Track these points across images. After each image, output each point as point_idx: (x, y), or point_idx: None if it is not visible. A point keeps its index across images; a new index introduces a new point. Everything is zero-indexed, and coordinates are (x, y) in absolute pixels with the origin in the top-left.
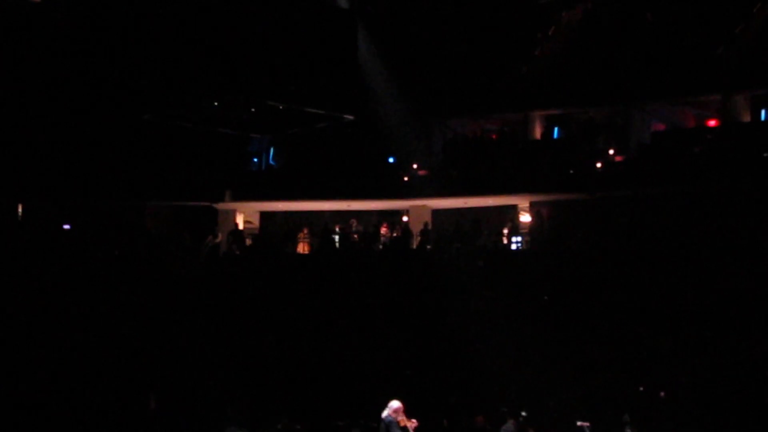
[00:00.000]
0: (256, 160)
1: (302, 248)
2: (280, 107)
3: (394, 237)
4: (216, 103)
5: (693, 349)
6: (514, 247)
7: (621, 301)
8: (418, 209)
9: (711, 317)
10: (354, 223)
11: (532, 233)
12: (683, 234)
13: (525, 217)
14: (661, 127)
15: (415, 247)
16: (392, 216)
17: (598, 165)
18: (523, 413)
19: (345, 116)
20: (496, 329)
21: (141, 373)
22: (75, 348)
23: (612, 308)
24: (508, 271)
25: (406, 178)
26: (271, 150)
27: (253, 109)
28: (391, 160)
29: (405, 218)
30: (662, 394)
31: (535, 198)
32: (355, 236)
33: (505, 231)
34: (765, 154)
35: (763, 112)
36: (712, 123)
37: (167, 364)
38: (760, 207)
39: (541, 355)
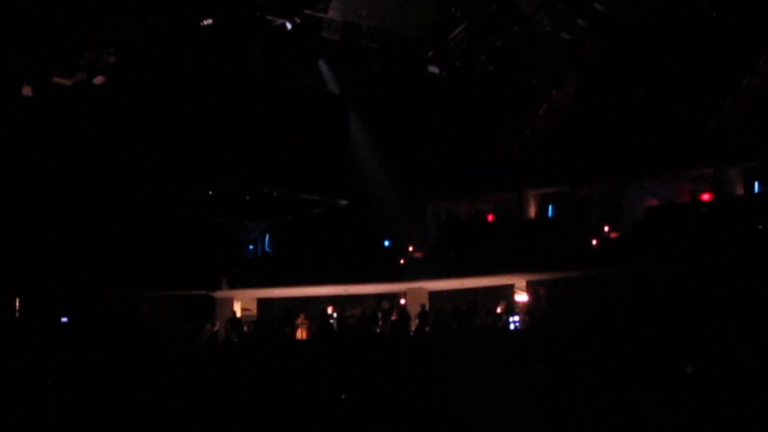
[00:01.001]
0: (251, 247)
1: (300, 334)
2: (275, 194)
3: (393, 320)
4: (211, 192)
5: (691, 423)
6: (511, 326)
7: (619, 376)
8: (415, 291)
9: (709, 390)
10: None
11: (530, 312)
12: (681, 308)
13: (521, 296)
14: (654, 202)
15: (413, 329)
16: (390, 299)
17: (594, 242)
18: None
19: (339, 201)
20: (495, 409)
21: None
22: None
23: (610, 383)
24: (505, 350)
25: (402, 261)
26: (267, 237)
27: (247, 197)
28: (386, 243)
29: (402, 300)
30: None
31: (532, 277)
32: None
33: (499, 310)
34: (760, 227)
35: (756, 185)
36: (705, 197)
37: None
38: (756, 279)
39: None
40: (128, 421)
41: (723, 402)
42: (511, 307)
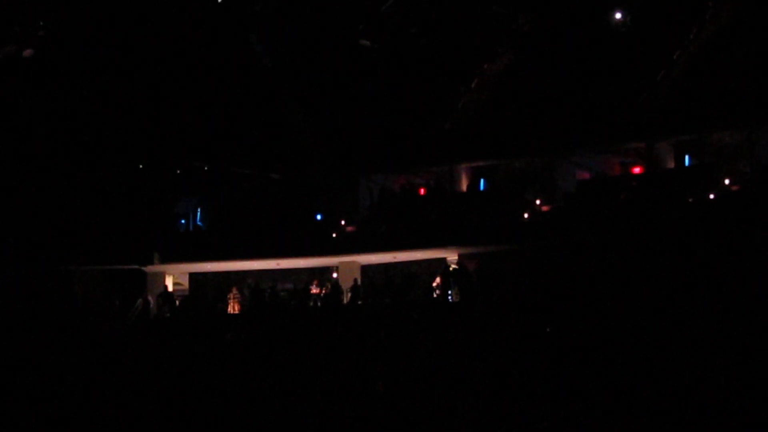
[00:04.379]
0: (183, 221)
1: (232, 308)
2: (206, 168)
3: (325, 294)
4: (141, 166)
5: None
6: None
7: (550, 346)
8: (347, 265)
9: (640, 363)
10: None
11: (461, 285)
12: (612, 280)
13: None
14: (586, 175)
15: (345, 302)
16: (322, 273)
17: (525, 215)
18: None
19: (271, 175)
20: (429, 381)
21: None
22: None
23: (541, 354)
24: (438, 323)
25: (334, 235)
26: (199, 211)
27: (179, 171)
28: (318, 217)
29: (335, 275)
30: None
31: (464, 250)
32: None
33: (435, 283)
34: (690, 199)
35: (687, 158)
36: (637, 170)
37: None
38: (685, 251)
39: (475, 407)
40: (60, 397)
41: (648, 367)
42: (446, 280)
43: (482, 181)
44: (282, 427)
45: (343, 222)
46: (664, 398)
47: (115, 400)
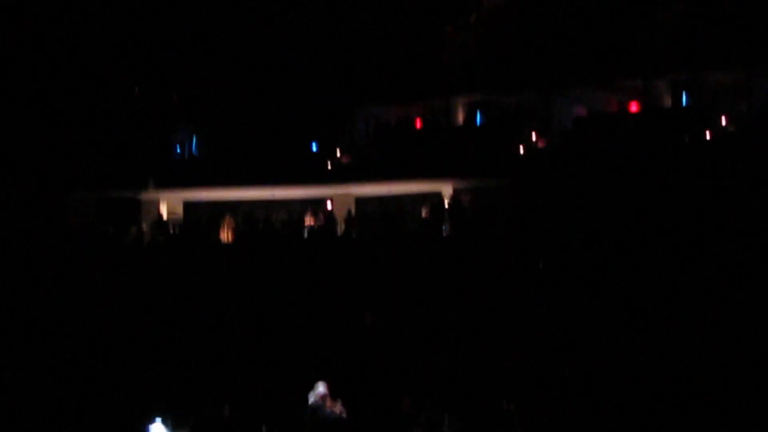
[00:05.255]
0: (179, 149)
1: (226, 236)
2: (202, 96)
3: (318, 224)
4: (137, 90)
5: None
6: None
7: (544, 281)
8: (341, 197)
9: (633, 301)
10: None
11: (455, 219)
12: (606, 216)
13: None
14: (583, 112)
15: (340, 234)
16: (316, 204)
17: (521, 150)
18: None
19: (268, 104)
20: (422, 314)
21: (61, 367)
22: None
23: (535, 288)
24: (431, 255)
25: (329, 165)
26: (194, 139)
27: (174, 98)
28: (313, 147)
29: (329, 206)
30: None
31: (459, 184)
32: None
33: (424, 215)
34: (686, 139)
35: (684, 97)
36: (633, 108)
37: (90, 356)
38: (680, 190)
39: (463, 340)
40: (53, 324)
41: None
42: (440, 213)
43: (478, 115)
44: (271, 358)
45: (338, 153)
46: (660, 335)
47: (108, 328)
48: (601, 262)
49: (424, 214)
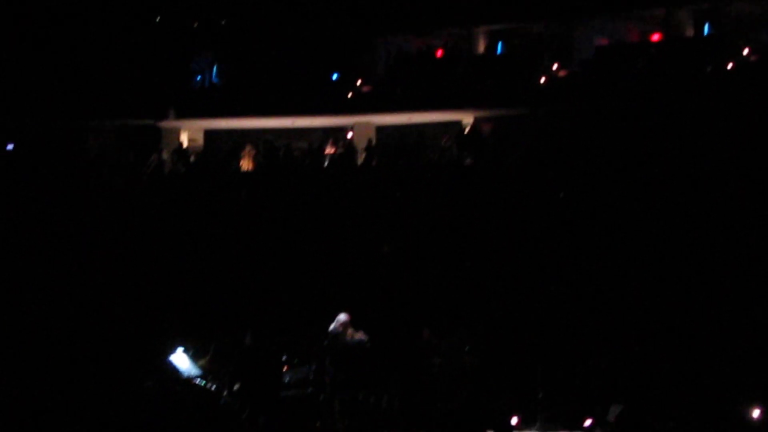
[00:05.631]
0: (199, 78)
1: (246, 165)
2: (223, 22)
3: (339, 154)
4: (158, 18)
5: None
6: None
7: (563, 213)
8: (362, 126)
9: (652, 230)
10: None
11: (475, 148)
12: (626, 146)
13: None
14: (604, 41)
15: (360, 163)
16: (336, 134)
17: (542, 80)
18: None
19: (288, 32)
20: (441, 244)
21: (84, 294)
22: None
23: (552, 218)
24: (452, 184)
25: (349, 95)
26: (215, 67)
27: (195, 25)
28: (334, 76)
29: (349, 135)
30: None
31: (479, 113)
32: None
33: (444, 141)
34: (708, 69)
35: (706, 27)
36: (655, 38)
37: (110, 283)
38: (700, 120)
39: (482, 269)
40: (72, 249)
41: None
42: (460, 142)
43: (500, 44)
44: (291, 286)
45: (359, 82)
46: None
47: (128, 256)
48: (622, 193)
49: (444, 143)
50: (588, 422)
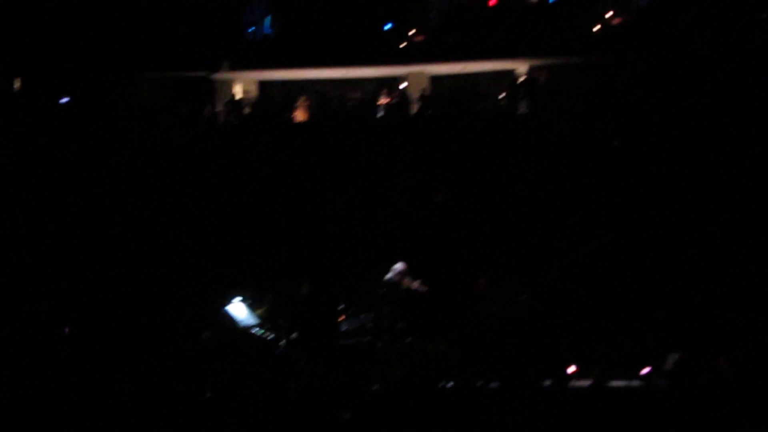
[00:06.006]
0: (252, 29)
1: (300, 116)
2: None
3: (393, 103)
4: None
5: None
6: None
7: (618, 160)
8: (415, 76)
9: (707, 179)
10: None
11: (530, 97)
12: (680, 93)
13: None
14: None
15: (414, 113)
16: (390, 84)
17: (597, 28)
18: None
19: None
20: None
21: (141, 246)
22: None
23: (609, 167)
24: (505, 134)
25: (403, 44)
26: (268, 18)
27: None
28: (388, 26)
29: (403, 85)
30: None
31: (533, 62)
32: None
33: (502, 95)
34: (765, 15)
35: None
36: None
37: (167, 234)
38: (757, 68)
39: (537, 216)
40: (129, 201)
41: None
42: (513, 91)
43: None
44: (348, 234)
45: (412, 31)
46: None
47: (184, 208)
48: (678, 142)
49: (498, 93)
50: (645, 371)
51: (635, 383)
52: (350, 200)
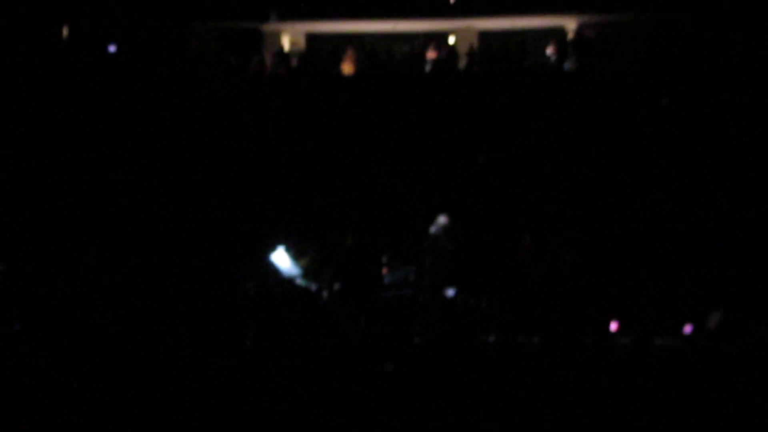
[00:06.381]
0: None
1: (347, 69)
2: None
3: (441, 59)
4: None
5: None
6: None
7: (667, 120)
8: (464, 31)
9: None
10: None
11: (579, 54)
12: (734, 53)
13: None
14: None
15: (462, 68)
16: (439, 38)
17: None
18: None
19: None
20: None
21: (186, 195)
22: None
23: (658, 125)
24: (554, 91)
25: None
26: None
27: None
28: None
29: (451, 40)
30: None
31: (583, 18)
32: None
33: (549, 51)
34: None
35: None
36: None
37: (212, 183)
38: None
39: (584, 174)
40: (178, 152)
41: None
42: (562, 49)
43: None
44: (392, 186)
45: None
46: None
47: (232, 156)
48: (728, 101)
49: (547, 49)
50: (688, 329)
51: (677, 342)
52: (396, 153)
